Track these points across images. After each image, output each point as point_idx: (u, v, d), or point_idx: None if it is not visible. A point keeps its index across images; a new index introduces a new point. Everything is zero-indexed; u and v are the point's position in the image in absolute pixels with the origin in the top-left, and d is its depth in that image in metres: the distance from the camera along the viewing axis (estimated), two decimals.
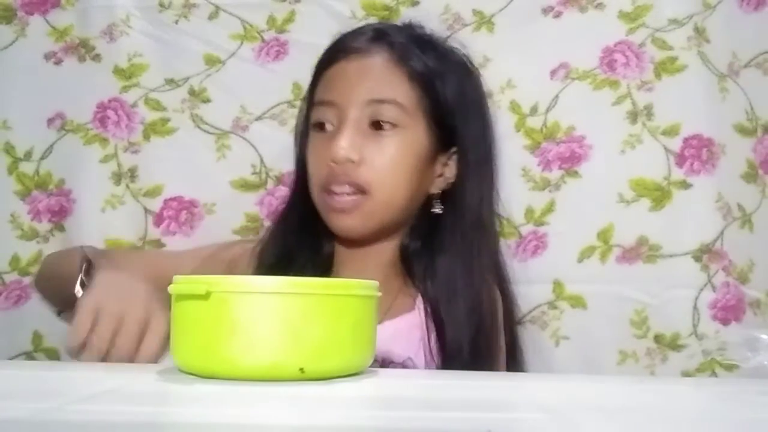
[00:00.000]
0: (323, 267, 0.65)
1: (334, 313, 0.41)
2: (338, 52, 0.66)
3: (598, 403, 0.39)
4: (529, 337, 0.70)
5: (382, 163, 0.63)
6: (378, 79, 0.64)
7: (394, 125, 0.63)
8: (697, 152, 0.70)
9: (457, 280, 0.62)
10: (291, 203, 0.69)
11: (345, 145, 0.62)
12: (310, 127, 0.66)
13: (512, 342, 0.67)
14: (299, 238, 0.66)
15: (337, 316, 0.41)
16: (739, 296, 0.69)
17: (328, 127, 0.64)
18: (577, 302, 0.70)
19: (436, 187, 0.66)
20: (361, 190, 0.62)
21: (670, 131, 0.71)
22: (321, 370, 0.40)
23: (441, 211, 0.65)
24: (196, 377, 0.40)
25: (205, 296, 0.39)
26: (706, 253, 0.69)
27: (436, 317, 0.61)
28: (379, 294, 0.44)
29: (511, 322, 0.68)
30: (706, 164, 0.70)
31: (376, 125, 0.63)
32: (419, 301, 0.63)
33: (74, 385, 0.40)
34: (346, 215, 0.63)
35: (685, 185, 0.70)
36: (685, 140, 0.70)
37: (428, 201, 0.66)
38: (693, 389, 0.48)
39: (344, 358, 0.41)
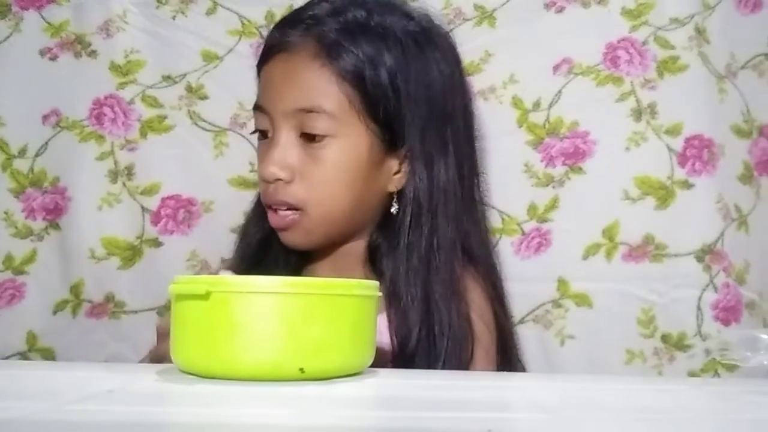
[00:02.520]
0: (295, 266, 0.63)
1: (334, 313, 0.41)
2: (270, 47, 0.62)
3: (598, 403, 0.39)
4: (533, 336, 0.70)
5: (316, 177, 0.59)
6: (303, 84, 0.58)
7: (324, 136, 0.58)
8: (699, 152, 0.70)
9: (404, 278, 0.58)
10: (258, 202, 0.66)
11: (273, 162, 0.58)
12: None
13: (504, 342, 0.65)
14: (269, 236, 0.63)
15: (337, 316, 0.41)
16: (737, 297, 0.69)
17: (269, 134, 0.61)
18: (583, 300, 0.70)
19: (396, 184, 0.61)
20: (294, 208, 0.59)
21: (673, 130, 0.71)
22: (321, 370, 0.40)
23: (395, 211, 0.60)
24: (196, 377, 0.40)
25: (205, 296, 0.39)
26: (708, 254, 0.69)
27: (389, 314, 0.57)
28: (379, 294, 0.44)
29: (500, 321, 0.65)
30: (707, 165, 0.69)
31: (307, 137, 0.59)
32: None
33: (74, 385, 0.40)
34: (285, 232, 0.61)
35: (687, 185, 0.70)
36: (687, 140, 0.70)
37: (391, 198, 0.61)
38: (693, 389, 0.48)
39: (344, 358, 0.41)
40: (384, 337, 0.56)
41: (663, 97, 0.71)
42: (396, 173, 0.62)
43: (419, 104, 0.60)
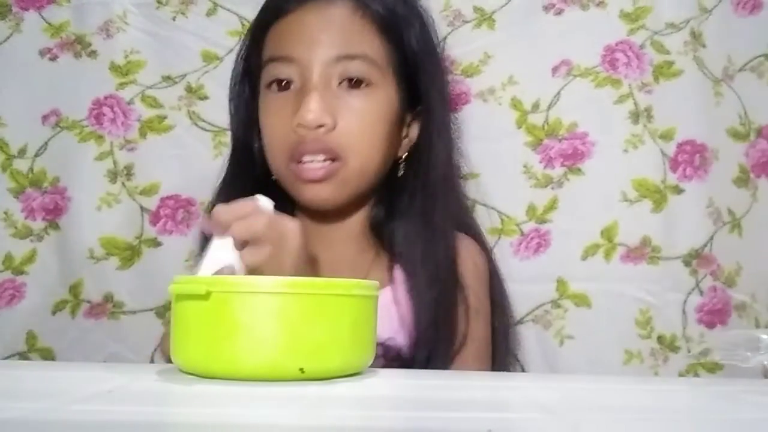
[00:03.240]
0: None
1: (334, 313, 0.40)
2: (290, 1, 0.59)
3: (599, 403, 0.39)
4: (533, 336, 0.70)
5: (355, 126, 0.57)
6: (345, 32, 0.58)
7: (366, 83, 0.58)
8: (690, 158, 0.71)
9: (420, 245, 0.58)
10: (233, 174, 0.63)
11: (315, 108, 0.56)
12: (261, 86, 0.60)
13: (503, 330, 0.64)
14: None
15: (337, 316, 0.41)
16: (725, 300, 0.70)
17: (293, 85, 0.58)
18: (582, 301, 0.70)
19: (402, 149, 0.62)
20: (334, 157, 0.57)
21: (666, 135, 0.71)
22: (321, 370, 0.40)
23: (402, 173, 0.61)
24: (196, 377, 0.40)
25: (205, 296, 0.39)
26: (695, 258, 0.70)
27: (408, 287, 0.57)
28: (378, 294, 0.44)
29: (501, 308, 0.65)
30: (698, 170, 0.70)
31: (348, 84, 0.58)
32: (397, 274, 0.58)
33: (74, 385, 0.40)
34: (318, 185, 0.58)
35: (677, 190, 0.71)
36: (679, 145, 0.71)
37: (394, 165, 0.62)
38: (693, 389, 0.49)
39: (344, 358, 0.41)
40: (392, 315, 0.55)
41: (658, 101, 0.71)
42: (404, 138, 0.62)
43: (434, 73, 0.63)
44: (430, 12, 0.66)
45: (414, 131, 0.63)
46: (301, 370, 0.39)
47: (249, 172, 0.63)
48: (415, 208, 0.59)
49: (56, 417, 0.31)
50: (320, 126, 0.57)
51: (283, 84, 0.59)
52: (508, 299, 0.67)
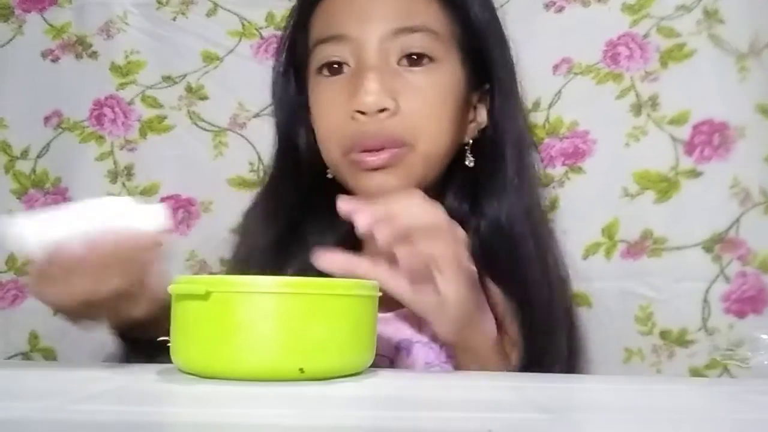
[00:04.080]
0: (347, 247, 0.50)
1: (334, 313, 0.40)
2: None
3: (599, 403, 0.39)
4: None
5: (420, 107, 0.51)
6: (401, 2, 0.52)
7: (429, 58, 0.52)
8: (708, 138, 0.68)
9: (496, 251, 0.52)
10: (281, 172, 0.58)
11: (375, 89, 0.50)
12: (311, 72, 0.55)
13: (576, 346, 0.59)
14: (303, 216, 0.54)
15: (337, 316, 0.41)
16: (760, 286, 0.65)
17: (345, 68, 0.52)
18: (583, 301, 0.70)
19: (469, 134, 0.55)
20: (400, 144, 0.51)
21: (678, 120, 0.69)
22: (321, 370, 0.40)
23: (472, 164, 0.54)
24: (196, 377, 0.40)
25: (205, 296, 0.39)
26: (718, 243, 0.66)
27: (509, 291, 0.51)
28: (379, 294, 0.44)
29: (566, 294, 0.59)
30: (718, 149, 0.67)
31: (409, 61, 0.52)
32: None
33: (74, 385, 0.40)
34: (383, 173, 0.51)
35: (694, 174, 0.68)
36: (695, 127, 0.68)
37: (460, 153, 0.55)
38: (693, 389, 0.48)
39: (344, 358, 0.41)
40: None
41: (666, 87, 0.70)
42: (471, 121, 0.56)
43: (501, 46, 0.57)
44: None
45: (481, 114, 0.56)
46: (301, 370, 0.39)
47: (299, 169, 0.57)
48: (486, 205, 0.53)
49: (56, 417, 0.31)
50: (381, 110, 0.50)
51: (336, 67, 0.53)
52: (575, 315, 0.62)
